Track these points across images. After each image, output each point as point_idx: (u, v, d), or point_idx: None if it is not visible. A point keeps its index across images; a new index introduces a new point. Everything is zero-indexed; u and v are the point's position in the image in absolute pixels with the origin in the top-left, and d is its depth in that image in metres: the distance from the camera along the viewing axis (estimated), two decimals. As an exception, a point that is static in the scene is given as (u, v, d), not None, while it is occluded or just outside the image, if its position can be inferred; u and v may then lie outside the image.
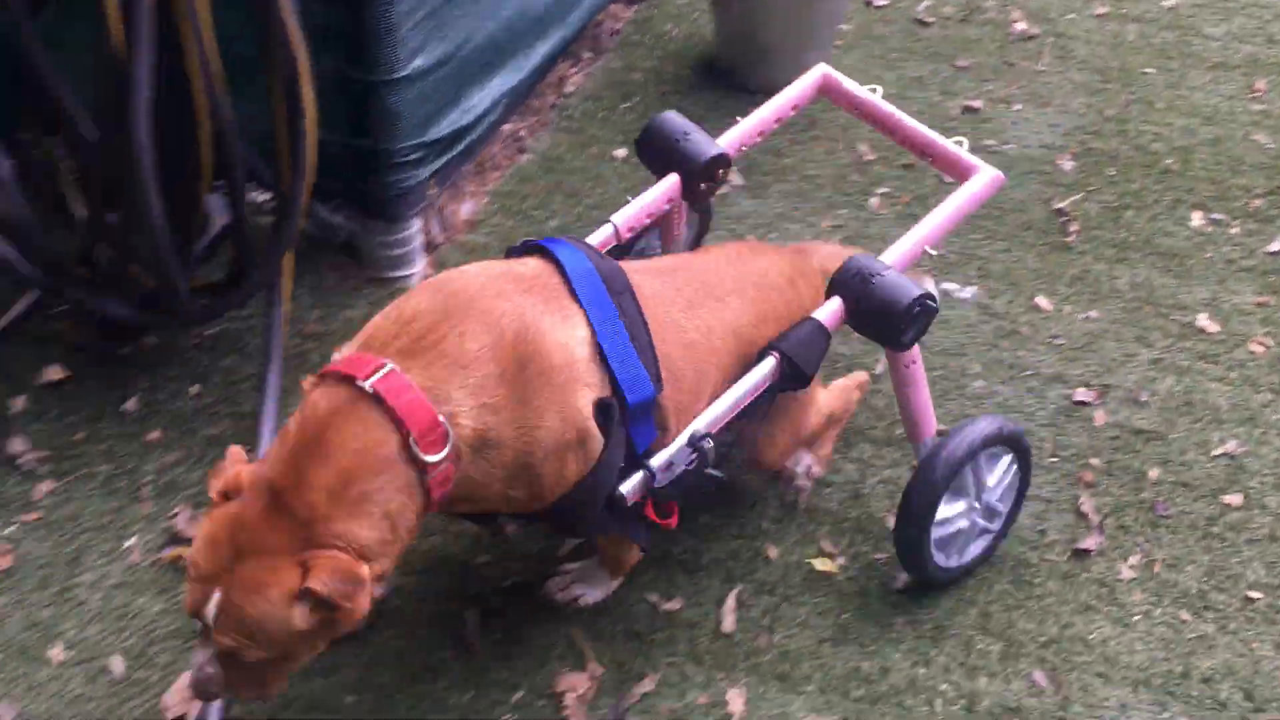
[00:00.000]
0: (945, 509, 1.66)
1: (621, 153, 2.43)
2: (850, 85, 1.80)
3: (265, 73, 1.76)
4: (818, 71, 1.81)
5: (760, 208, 2.34)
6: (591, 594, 1.71)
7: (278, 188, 1.87)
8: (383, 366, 1.25)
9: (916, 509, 1.63)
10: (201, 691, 1.28)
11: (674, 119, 1.71)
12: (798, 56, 2.49)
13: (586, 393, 1.35)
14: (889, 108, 1.77)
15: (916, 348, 1.63)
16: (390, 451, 1.23)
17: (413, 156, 2.06)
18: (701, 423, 1.47)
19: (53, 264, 1.84)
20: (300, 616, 1.20)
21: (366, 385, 1.23)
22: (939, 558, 1.70)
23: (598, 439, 1.37)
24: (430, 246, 2.25)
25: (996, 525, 1.76)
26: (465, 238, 2.28)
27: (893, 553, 1.73)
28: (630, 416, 1.39)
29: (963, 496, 1.68)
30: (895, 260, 1.59)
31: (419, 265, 2.22)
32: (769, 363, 1.52)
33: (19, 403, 1.94)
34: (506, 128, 2.46)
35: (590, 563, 1.72)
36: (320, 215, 2.14)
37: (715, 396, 1.50)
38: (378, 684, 1.62)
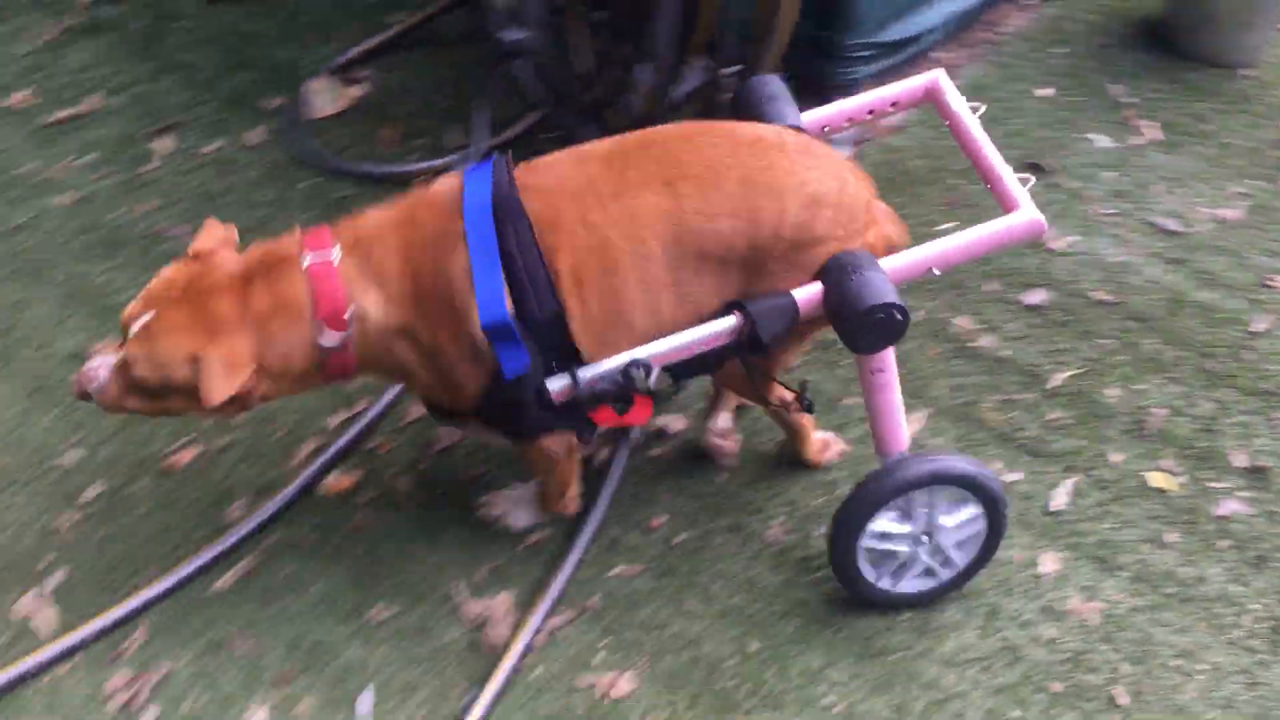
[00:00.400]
0: (887, 525, 1.66)
1: (1045, 92, 2.58)
2: (953, 97, 1.72)
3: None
4: (930, 75, 1.75)
5: (1173, 162, 2.44)
6: (518, 519, 1.85)
7: (747, 62, 2.21)
8: (329, 251, 1.48)
9: (848, 515, 1.63)
10: (82, 388, 1.51)
11: (771, 82, 1.71)
12: (1242, 32, 2.54)
13: (471, 314, 1.47)
14: (975, 131, 1.67)
15: (888, 357, 1.59)
16: (302, 317, 1.47)
17: (863, 53, 2.35)
18: (643, 352, 1.50)
19: (557, 91, 2.28)
20: (182, 370, 1.44)
21: (304, 263, 1.47)
22: (868, 571, 1.70)
23: (488, 354, 1.49)
24: (856, 140, 2.53)
25: (946, 572, 1.74)
26: (888, 140, 2.53)
27: (1237, 485, 1.85)
28: (499, 334, 1.46)
29: (910, 521, 1.67)
30: (892, 268, 1.52)
31: (845, 152, 2.50)
32: (730, 320, 1.51)
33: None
34: (941, 55, 2.69)
35: (524, 490, 1.85)
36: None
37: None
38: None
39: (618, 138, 1.58)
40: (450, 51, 2.65)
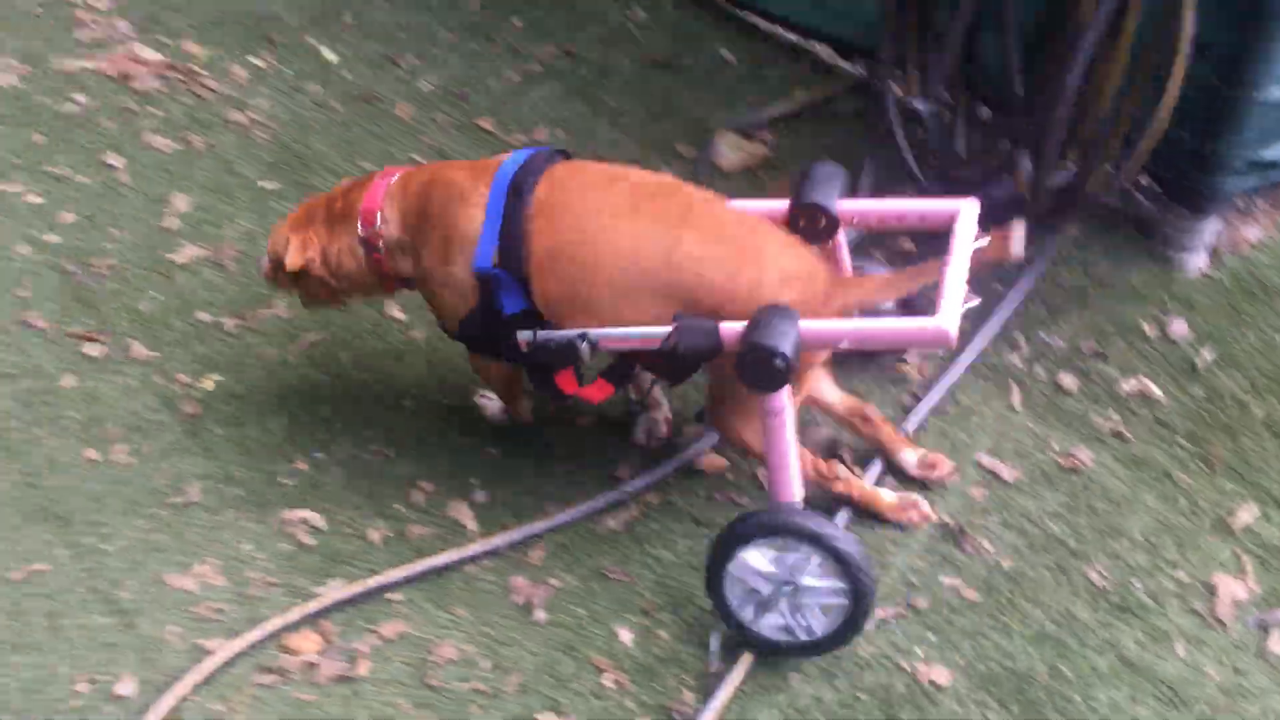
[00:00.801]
0: (758, 558, 1.79)
1: None
2: (966, 227, 1.79)
3: (1145, 54, 2.30)
4: (966, 205, 1.85)
5: None
6: (491, 407, 2.24)
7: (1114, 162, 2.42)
8: (390, 178, 1.98)
9: (722, 539, 1.81)
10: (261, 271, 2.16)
11: (825, 166, 1.93)
12: None
13: (461, 257, 1.85)
14: (959, 254, 1.74)
15: (781, 405, 1.71)
16: (353, 219, 1.97)
17: (1238, 167, 2.49)
18: (594, 332, 1.80)
19: (937, 166, 2.58)
20: (280, 248, 2.02)
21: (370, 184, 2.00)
22: (733, 600, 1.84)
23: (470, 289, 1.87)
24: (1211, 248, 2.66)
25: (799, 634, 1.84)
26: (1247, 253, 2.64)
27: None
28: (486, 279, 1.84)
29: (776, 564, 1.79)
30: (806, 329, 1.67)
31: (1198, 258, 2.64)
32: (665, 328, 1.75)
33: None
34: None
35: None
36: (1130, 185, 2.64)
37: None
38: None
39: (657, 175, 1.97)
40: (843, 124, 3.00)
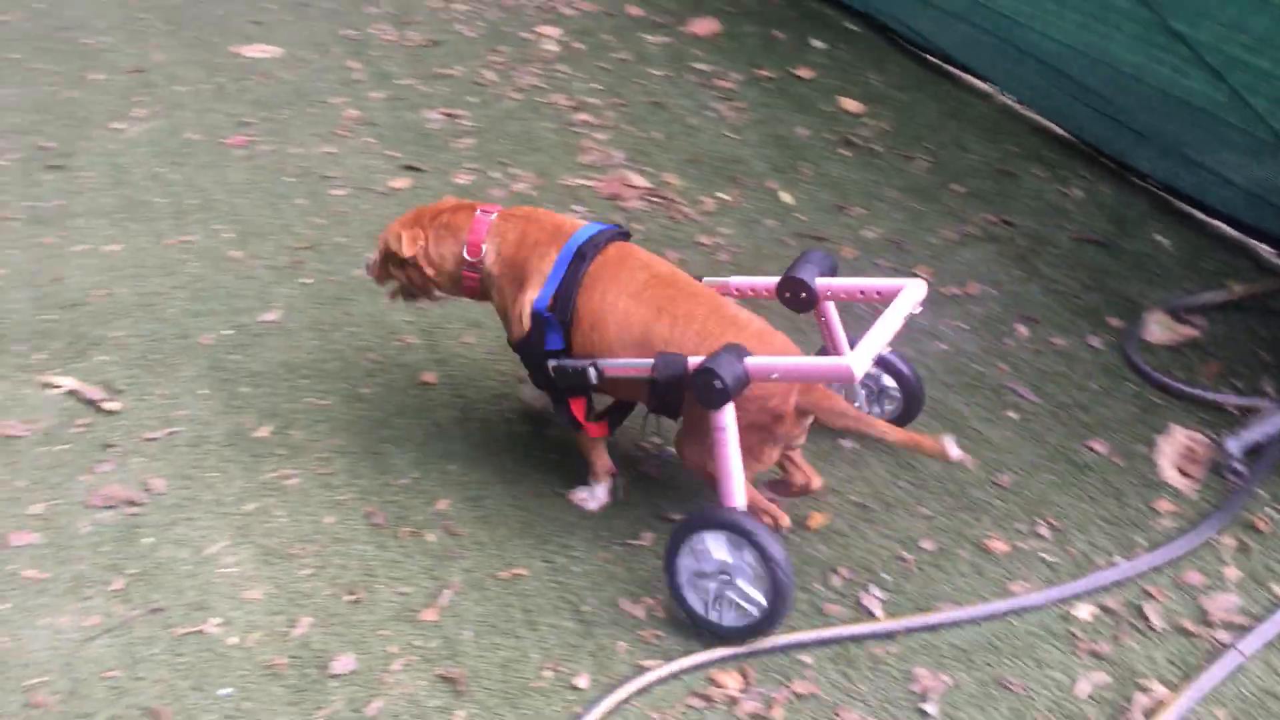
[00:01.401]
0: (715, 545, 2.18)
1: None
2: (904, 303, 2.33)
3: None
4: (913, 284, 2.37)
5: None
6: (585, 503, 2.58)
7: None
8: (491, 214, 2.50)
9: (673, 534, 2.24)
10: (368, 270, 2.71)
11: (814, 253, 2.49)
12: None
13: (528, 295, 2.38)
14: (886, 322, 2.25)
15: (726, 422, 2.15)
16: (458, 238, 2.51)
17: None
18: (601, 361, 2.33)
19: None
20: (393, 241, 2.54)
21: (476, 213, 2.50)
22: (681, 570, 2.24)
23: (528, 319, 2.39)
24: None
25: (710, 615, 2.23)
26: None
27: None
28: (539, 319, 2.37)
29: (728, 555, 2.18)
30: (748, 361, 2.14)
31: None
32: (648, 360, 2.25)
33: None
34: None
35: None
36: None
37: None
38: None
39: (672, 270, 2.44)
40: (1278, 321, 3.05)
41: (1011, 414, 2.86)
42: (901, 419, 2.65)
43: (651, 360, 2.27)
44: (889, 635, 2.30)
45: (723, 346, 2.18)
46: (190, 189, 3.76)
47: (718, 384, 2.12)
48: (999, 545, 2.50)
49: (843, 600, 2.38)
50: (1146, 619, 2.33)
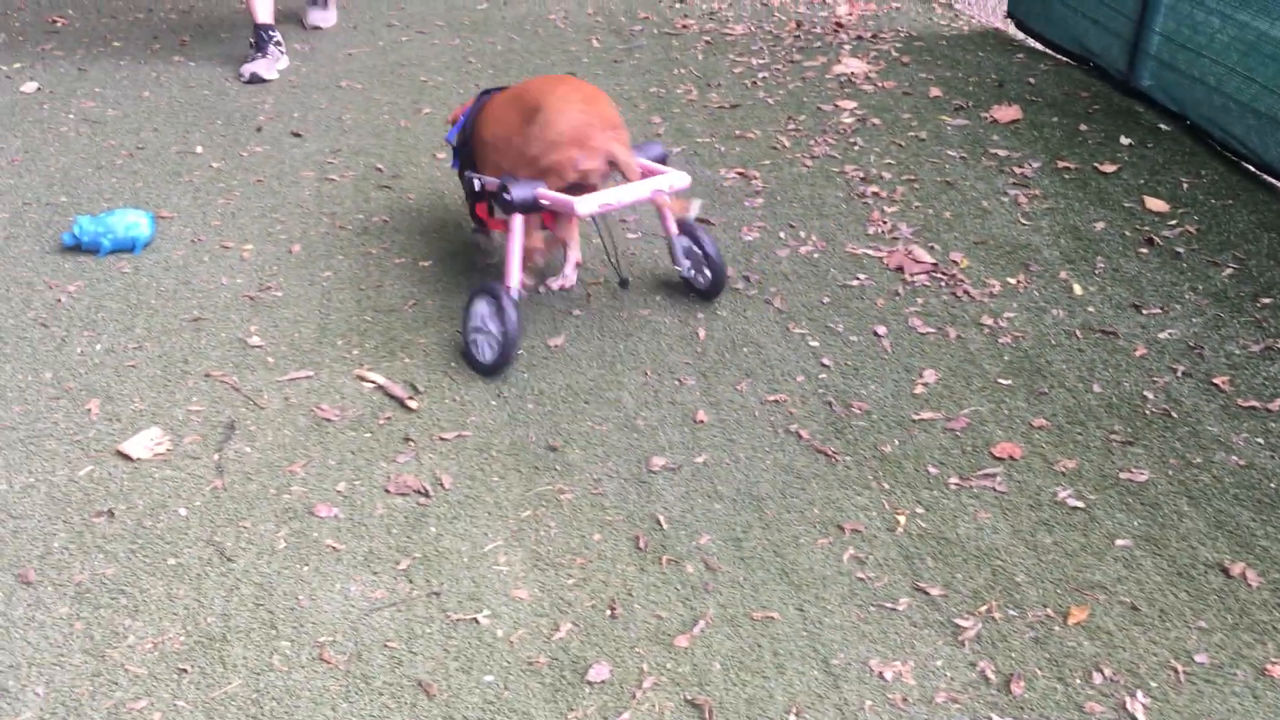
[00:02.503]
0: (482, 307, 3.15)
1: None
2: (653, 181, 3.19)
3: None
4: (675, 174, 3.23)
5: None
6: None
7: None
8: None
9: (477, 291, 3.21)
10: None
11: (652, 146, 3.34)
12: None
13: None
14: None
15: (514, 224, 3.12)
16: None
17: None
18: (479, 177, 3.27)
19: None
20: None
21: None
22: (469, 325, 3.22)
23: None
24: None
25: (478, 355, 3.20)
26: None
27: None
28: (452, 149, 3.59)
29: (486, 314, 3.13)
30: (540, 191, 3.08)
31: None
32: (496, 180, 3.17)
33: None
34: None
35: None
36: None
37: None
38: None
39: (537, 90, 3.21)
40: None
41: (1308, 541, 2.68)
42: (710, 288, 3.50)
43: (497, 180, 3.13)
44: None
45: (524, 178, 3.10)
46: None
47: (506, 196, 3.06)
48: (1282, 674, 2.35)
49: (1104, 700, 2.29)
50: None
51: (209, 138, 4.66)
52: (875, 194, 4.22)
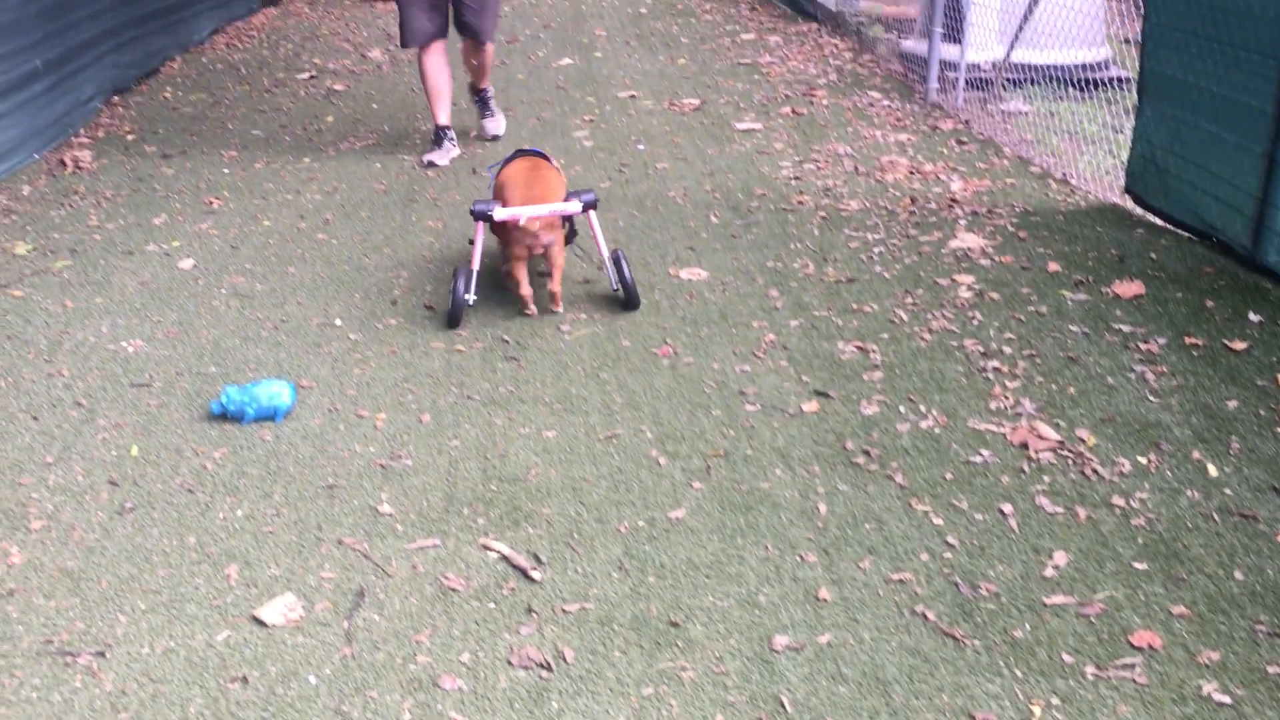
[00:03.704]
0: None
1: None
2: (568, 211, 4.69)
3: None
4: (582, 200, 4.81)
5: None
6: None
7: None
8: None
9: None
10: None
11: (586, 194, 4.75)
12: None
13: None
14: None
15: (481, 233, 4.75)
16: None
17: None
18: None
19: None
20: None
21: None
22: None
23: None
24: None
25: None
26: None
27: None
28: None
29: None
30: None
31: None
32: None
33: None
34: None
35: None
36: None
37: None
38: None
39: (540, 165, 4.93)
40: None
41: None
42: (626, 303, 4.81)
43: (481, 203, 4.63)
44: None
45: (488, 200, 4.73)
46: (620, 389, 4.14)
47: (472, 211, 4.56)
48: None
49: None
50: None
51: (347, 310, 4.91)
52: (996, 369, 4.21)
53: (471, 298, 4.69)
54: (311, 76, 9.42)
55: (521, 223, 4.49)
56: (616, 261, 4.78)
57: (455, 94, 7.22)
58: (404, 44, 6.67)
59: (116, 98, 8.57)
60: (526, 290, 4.71)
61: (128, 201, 6.40)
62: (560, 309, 4.77)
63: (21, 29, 6.92)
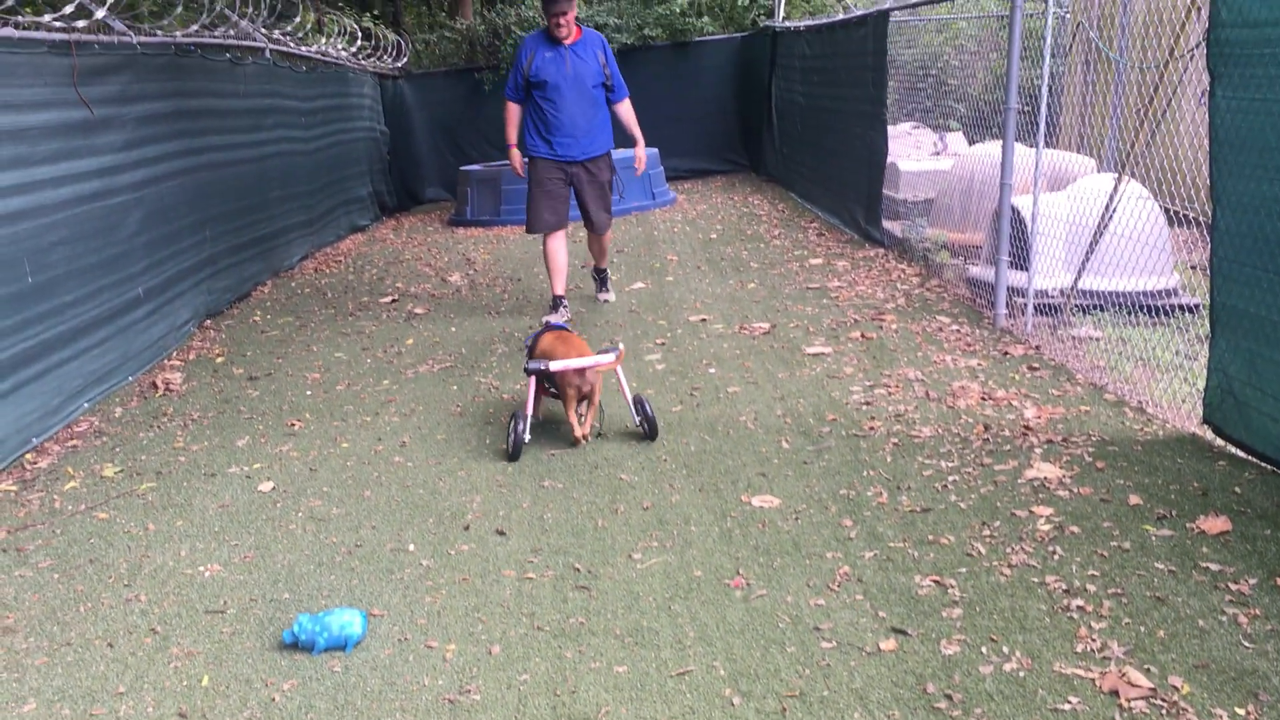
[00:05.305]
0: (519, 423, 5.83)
1: None
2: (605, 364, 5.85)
3: None
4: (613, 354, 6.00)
5: None
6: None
7: None
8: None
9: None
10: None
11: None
12: None
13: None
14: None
15: (533, 385, 5.92)
16: None
17: None
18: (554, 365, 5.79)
19: None
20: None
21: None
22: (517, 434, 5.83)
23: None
24: None
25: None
26: None
27: None
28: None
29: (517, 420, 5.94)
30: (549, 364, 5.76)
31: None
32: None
33: None
34: None
35: None
36: None
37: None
38: None
39: (570, 338, 6.06)
40: None
41: None
42: (648, 434, 5.87)
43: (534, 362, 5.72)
44: None
45: (540, 359, 5.75)
46: (692, 622, 4.08)
47: (525, 368, 5.63)
48: None
49: None
50: None
51: (420, 535, 4.95)
52: (1080, 608, 4.08)
53: (527, 436, 5.77)
54: (393, 300, 9.83)
55: (573, 369, 5.72)
56: (639, 403, 5.90)
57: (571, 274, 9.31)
58: (529, 230, 8.41)
59: (209, 321, 8.98)
60: (579, 431, 5.84)
61: (214, 423, 6.61)
62: (591, 438, 5.96)
63: (130, 260, 7.37)
